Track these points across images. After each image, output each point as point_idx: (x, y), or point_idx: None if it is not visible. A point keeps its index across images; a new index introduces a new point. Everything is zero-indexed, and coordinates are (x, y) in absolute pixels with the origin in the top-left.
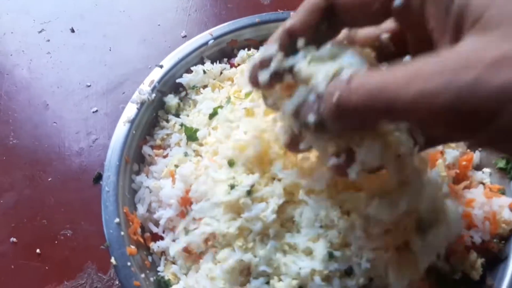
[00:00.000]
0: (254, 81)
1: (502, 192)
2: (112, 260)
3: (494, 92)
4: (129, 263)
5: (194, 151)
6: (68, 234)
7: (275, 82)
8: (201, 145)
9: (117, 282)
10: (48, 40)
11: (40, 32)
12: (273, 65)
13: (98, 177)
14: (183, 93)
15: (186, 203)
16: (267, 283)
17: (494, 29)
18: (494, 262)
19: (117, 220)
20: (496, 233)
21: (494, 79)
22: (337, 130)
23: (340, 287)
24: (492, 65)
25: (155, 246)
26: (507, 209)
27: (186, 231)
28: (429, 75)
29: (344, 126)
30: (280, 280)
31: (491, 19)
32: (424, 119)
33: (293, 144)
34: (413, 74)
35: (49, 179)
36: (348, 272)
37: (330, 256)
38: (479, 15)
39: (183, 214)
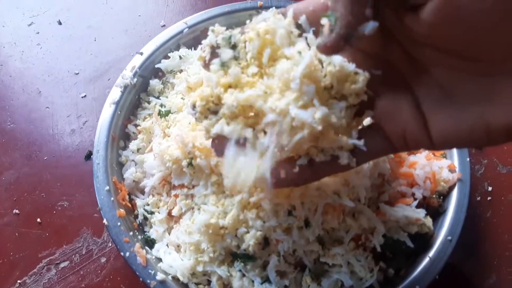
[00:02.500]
0: None
1: (444, 156)
2: (105, 221)
3: None
4: (119, 223)
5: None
6: (65, 205)
7: None
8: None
9: (110, 244)
10: (38, 32)
11: (29, 25)
12: None
13: (89, 155)
14: (164, 78)
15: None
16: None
17: None
18: (435, 215)
19: (107, 188)
20: (436, 190)
21: None
22: None
23: (298, 237)
24: None
25: (141, 211)
26: (446, 170)
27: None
28: None
29: None
30: (247, 232)
31: None
32: None
33: None
34: None
35: (45, 158)
36: (306, 224)
37: (289, 213)
38: None
39: (164, 182)
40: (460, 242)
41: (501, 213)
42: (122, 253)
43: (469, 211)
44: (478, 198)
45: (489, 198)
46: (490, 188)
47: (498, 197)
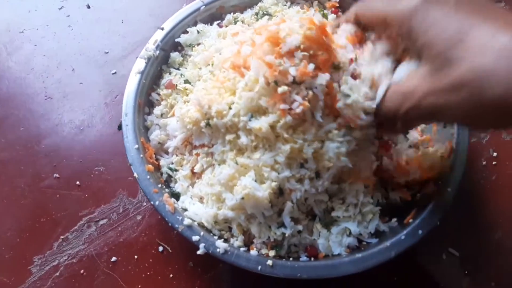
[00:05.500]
0: None
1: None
2: (135, 174)
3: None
4: (148, 177)
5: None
6: (101, 170)
7: None
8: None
9: (144, 204)
10: (68, 16)
11: (60, 8)
12: None
13: (121, 125)
14: (183, 51)
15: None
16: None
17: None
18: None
19: (136, 146)
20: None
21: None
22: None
23: (309, 186)
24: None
25: (164, 169)
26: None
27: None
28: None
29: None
30: (263, 183)
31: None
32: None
33: None
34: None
35: (81, 128)
36: (317, 176)
37: (302, 165)
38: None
39: (186, 143)
40: (469, 202)
41: (505, 176)
42: (152, 202)
43: (476, 175)
44: (484, 163)
45: (494, 162)
46: (495, 154)
47: (502, 162)
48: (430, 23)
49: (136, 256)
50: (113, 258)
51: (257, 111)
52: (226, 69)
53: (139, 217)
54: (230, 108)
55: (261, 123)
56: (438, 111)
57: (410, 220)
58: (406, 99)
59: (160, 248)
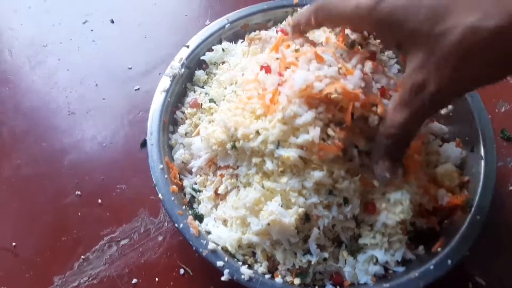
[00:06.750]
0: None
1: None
2: (160, 195)
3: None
4: (172, 198)
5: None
6: (123, 188)
7: None
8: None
9: (166, 224)
10: (92, 30)
11: (84, 23)
12: None
13: (144, 142)
14: (208, 69)
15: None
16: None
17: None
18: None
19: (160, 166)
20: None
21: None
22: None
23: (337, 213)
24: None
25: (188, 190)
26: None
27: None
28: None
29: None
30: (289, 208)
31: None
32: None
33: None
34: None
35: (103, 145)
36: (345, 202)
37: (330, 192)
38: None
39: (210, 163)
40: (495, 229)
41: None
42: (176, 225)
43: (503, 200)
44: (511, 188)
45: None
46: None
47: None
48: (399, 7)
49: (157, 279)
50: (134, 280)
51: (285, 141)
52: (248, 90)
53: (160, 238)
54: (257, 133)
55: (290, 153)
56: (463, 90)
57: (439, 249)
58: (418, 94)
59: (181, 271)
